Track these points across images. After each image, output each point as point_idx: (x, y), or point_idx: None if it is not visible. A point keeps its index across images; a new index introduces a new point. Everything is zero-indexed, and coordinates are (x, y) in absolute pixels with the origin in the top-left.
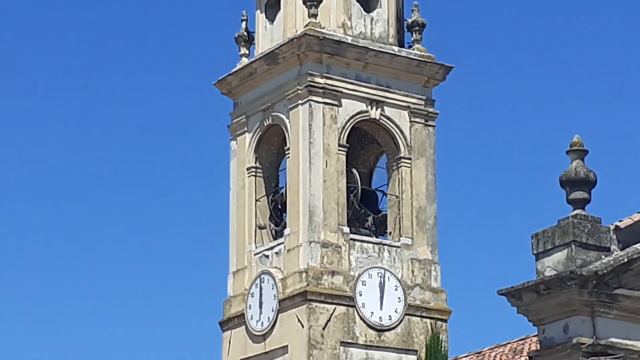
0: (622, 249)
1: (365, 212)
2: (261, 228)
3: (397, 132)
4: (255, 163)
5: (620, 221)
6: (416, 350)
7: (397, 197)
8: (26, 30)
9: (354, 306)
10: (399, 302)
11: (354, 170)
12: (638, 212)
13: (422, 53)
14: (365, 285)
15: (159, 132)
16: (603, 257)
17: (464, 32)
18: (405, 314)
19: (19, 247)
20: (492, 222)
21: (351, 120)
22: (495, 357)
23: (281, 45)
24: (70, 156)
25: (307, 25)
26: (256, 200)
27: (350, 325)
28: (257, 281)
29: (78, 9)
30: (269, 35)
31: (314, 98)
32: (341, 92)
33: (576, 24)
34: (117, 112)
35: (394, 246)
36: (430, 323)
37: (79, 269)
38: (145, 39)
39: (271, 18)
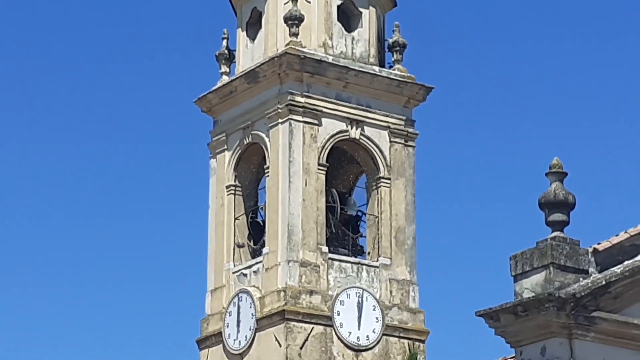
0: (600, 272)
1: (344, 232)
2: (240, 246)
3: (376, 152)
4: (235, 181)
5: (599, 244)
6: None
7: (376, 217)
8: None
9: (331, 326)
10: (377, 322)
11: (333, 190)
12: (616, 235)
13: (403, 73)
14: (343, 305)
15: (138, 149)
16: (581, 279)
17: (444, 53)
18: (383, 334)
19: None
20: (471, 243)
21: (331, 140)
22: None
23: (262, 64)
24: (48, 169)
25: (288, 44)
26: (235, 219)
27: (327, 345)
28: (235, 300)
29: (57, 23)
30: (249, 54)
31: (294, 117)
32: (321, 111)
33: (556, 46)
34: (95, 128)
35: (372, 266)
36: (408, 343)
37: (58, 286)
38: (125, 56)
39: (252, 36)
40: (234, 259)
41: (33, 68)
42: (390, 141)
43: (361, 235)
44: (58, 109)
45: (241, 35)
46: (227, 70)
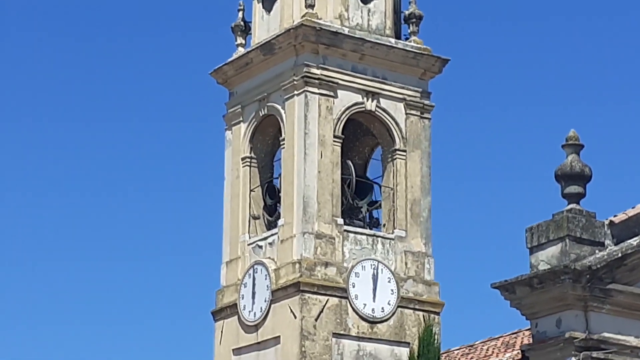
0: (616, 244)
1: (359, 203)
2: (255, 218)
3: (392, 124)
4: (250, 153)
5: (615, 216)
6: (408, 343)
7: (391, 189)
8: (22, 25)
9: (346, 298)
10: (392, 294)
11: (349, 162)
12: (632, 208)
13: (419, 45)
14: (358, 277)
15: (154, 121)
16: (597, 251)
17: (460, 25)
18: (398, 306)
19: (9, 242)
20: (487, 216)
21: (347, 112)
22: (487, 350)
23: (278, 36)
24: (63, 145)
25: (304, 16)
26: (250, 191)
27: (342, 317)
28: (250, 271)
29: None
30: (265, 26)
31: (310, 89)
32: (337, 83)
33: (573, 19)
34: (112, 101)
35: (387, 238)
36: (423, 315)
37: (70, 259)
38: (140, 29)
39: (268, 8)
40: (249, 231)
41: (50, 41)
42: (406, 113)
43: (377, 207)
44: (73, 83)
45: (257, 6)
46: (243, 42)
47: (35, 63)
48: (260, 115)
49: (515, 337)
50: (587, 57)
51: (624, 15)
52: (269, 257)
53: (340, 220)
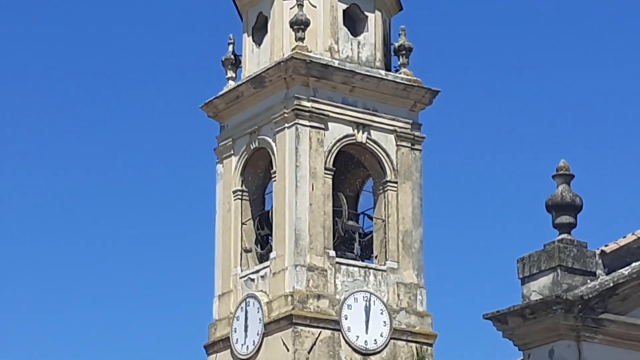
0: (607, 274)
1: (351, 235)
2: (247, 251)
3: (383, 156)
4: (242, 186)
5: (606, 246)
6: None
7: (383, 220)
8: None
9: (339, 330)
10: (385, 326)
11: (340, 194)
12: (624, 237)
13: (409, 77)
14: (350, 309)
15: (144, 154)
16: (589, 281)
17: (450, 57)
18: (391, 338)
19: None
20: (478, 246)
21: (338, 144)
22: None
23: (268, 69)
24: (53, 174)
25: (294, 49)
26: (242, 224)
27: (335, 349)
28: (243, 305)
29: (62, 25)
30: (255, 59)
31: (301, 121)
32: (328, 115)
33: (563, 49)
34: (101, 134)
35: (379, 270)
36: (416, 347)
37: (63, 292)
38: (131, 61)
39: (258, 41)
40: (241, 264)
41: (37, 73)
42: (397, 145)
43: (368, 240)
44: (62, 112)
45: (247, 40)
46: (234, 75)
47: (21, 93)
48: (251, 148)
49: None
50: (578, 87)
51: (614, 48)
52: (261, 290)
53: (332, 253)
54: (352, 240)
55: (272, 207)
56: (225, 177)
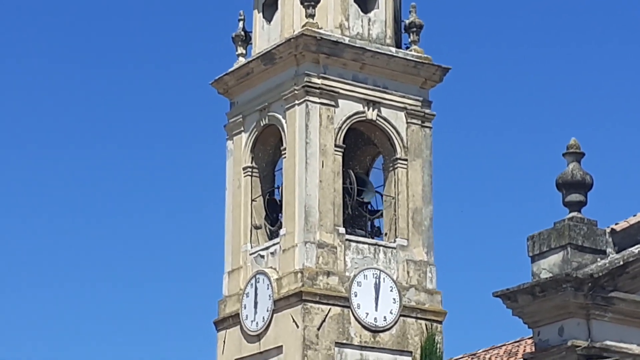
0: (617, 252)
1: (361, 212)
2: (257, 228)
3: (393, 133)
4: (252, 163)
5: (616, 224)
6: (411, 352)
7: (393, 198)
8: (21, 33)
9: (349, 307)
10: (394, 303)
11: (350, 171)
12: (634, 215)
13: (419, 54)
14: (360, 286)
15: (155, 131)
16: (599, 259)
17: (461, 34)
18: (400, 315)
19: (13, 248)
20: (488, 224)
21: (348, 121)
22: (490, 358)
23: (278, 45)
24: (65, 153)
25: (304, 26)
26: (252, 200)
27: (345, 326)
28: (252, 281)
29: (75, 7)
30: (266, 35)
31: (311, 98)
32: (338, 92)
33: (574, 27)
34: (113, 111)
35: (389, 247)
36: (426, 324)
37: (74, 268)
38: (142, 38)
39: (268, 18)
40: (251, 241)
41: (52, 54)
42: (407, 122)
43: (378, 217)
44: (75, 91)
45: (257, 16)
46: (244, 52)
47: (34, 76)
48: (262, 125)
49: (518, 346)
50: (588, 65)
51: (625, 24)
52: (271, 267)
53: (342, 230)
54: (362, 217)
55: (282, 184)
56: (235, 153)
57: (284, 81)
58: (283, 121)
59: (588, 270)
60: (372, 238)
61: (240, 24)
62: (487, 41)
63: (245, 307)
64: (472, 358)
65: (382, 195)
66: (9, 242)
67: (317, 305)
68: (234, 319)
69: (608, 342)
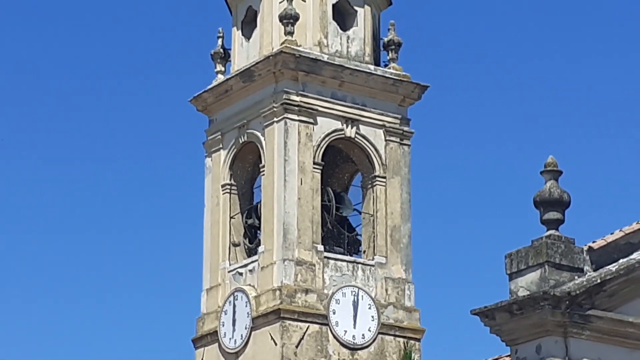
0: (595, 270)
1: (340, 230)
2: (235, 245)
3: (372, 151)
4: (230, 180)
5: (594, 242)
6: None
7: (371, 215)
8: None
9: (327, 324)
10: (373, 320)
11: (329, 189)
12: (611, 233)
13: (398, 72)
14: (338, 303)
15: (133, 148)
16: (576, 277)
17: (439, 52)
18: (379, 333)
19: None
20: (466, 242)
21: (326, 139)
22: None
23: (257, 63)
24: (42, 167)
25: (283, 43)
26: (230, 218)
27: (323, 344)
28: (231, 299)
29: (51, 19)
30: (245, 53)
31: (290, 116)
32: (317, 110)
33: (552, 44)
34: (89, 127)
35: (367, 265)
36: (404, 342)
37: (52, 284)
38: (120, 55)
39: (247, 35)
40: (229, 258)
41: (25, 65)
42: (386, 140)
43: (357, 234)
44: (51, 105)
45: (236, 34)
46: (223, 69)
47: (15, 88)
48: (240, 142)
49: None
50: (567, 82)
51: (603, 42)
52: (250, 284)
53: (321, 247)
54: (340, 234)
55: (260, 201)
56: (214, 170)
57: (262, 98)
58: (262, 138)
59: (565, 288)
60: (351, 255)
61: (219, 41)
62: (466, 59)
63: (223, 325)
64: None
65: (360, 213)
66: None
67: (295, 323)
68: (212, 336)
69: None
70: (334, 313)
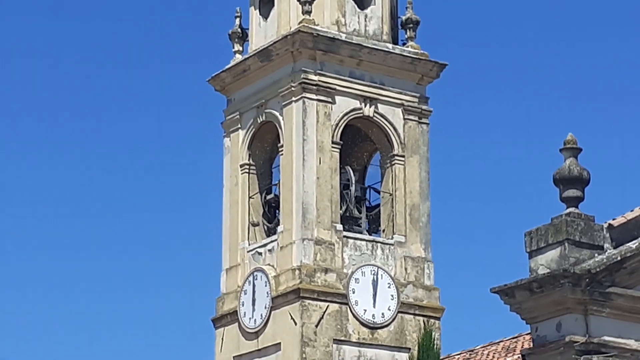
0: (615, 247)
1: (359, 209)
2: (254, 225)
3: (390, 130)
4: (249, 160)
5: (614, 219)
6: (409, 348)
7: (390, 194)
8: (18, 33)
9: (347, 304)
10: (392, 299)
11: (348, 168)
12: (631, 211)
13: (416, 50)
14: (358, 282)
15: (152, 129)
16: (596, 255)
17: (458, 30)
18: (398, 312)
19: (15, 250)
20: (486, 220)
21: (345, 118)
22: (488, 355)
23: (275, 42)
24: (62, 151)
25: (301, 22)
26: (249, 197)
27: (343, 323)
28: (250, 278)
29: (72, 5)
30: (262, 32)
31: (308, 95)
32: (335, 89)
33: (571, 22)
34: (109, 109)
35: (387, 244)
36: (423, 321)
37: (73, 267)
38: (138, 36)
39: (265, 15)
40: (248, 238)
41: (47, 54)
42: (404, 118)
43: (376, 213)
44: (69, 86)
45: (254, 13)
46: (241, 48)
47: (33, 75)
48: (259, 121)
49: (516, 342)
50: (585, 60)
51: (623, 21)
52: (269, 264)
53: (340, 226)
54: (359, 214)
55: (279, 181)
56: (232, 150)
57: (280, 78)
58: (280, 118)
59: (585, 266)
60: (370, 234)
61: (237, 21)
62: (484, 37)
63: (243, 305)
64: (470, 354)
65: (379, 192)
66: (6, 243)
67: (315, 302)
68: (232, 316)
69: (606, 338)
70: (353, 292)
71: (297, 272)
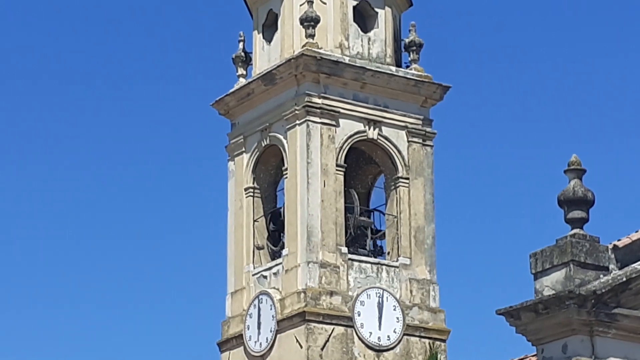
0: (620, 268)
1: (363, 232)
2: (259, 248)
3: (394, 152)
4: (253, 183)
5: (619, 240)
6: None
7: (395, 217)
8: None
9: (352, 326)
10: (398, 322)
11: (352, 191)
12: (636, 231)
13: (420, 73)
14: (363, 305)
15: (156, 153)
16: (601, 276)
17: (461, 52)
18: (404, 334)
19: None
20: (491, 242)
21: (349, 140)
22: None
23: (278, 66)
24: (66, 171)
25: (304, 46)
26: (254, 221)
27: (348, 346)
28: (256, 302)
29: (76, 24)
30: (266, 56)
31: (312, 118)
32: (339, 112)
33: (574, 42)
34: (112, 132)
35: (392, 266)
36: (429, 343)
37: (76, 287)
38: (142, 59)
39: (268, 38)
40: (253, 261)
41: (44, 71)
42: (408, 141)
43: (381, 236)
44: (73, 111)
45: (257, 37)
46: (244, 72)
47: (32, 103)
48: (263, 145)
49: None
50: (589, 81)
51: (628, 40)
52: (274, 287)
53: (345, 249)
54: (364, 236)
55: (283, 204)
56: (236, 174)
57: (284, 101)
58: (284, 141)
59: (591, 287)
60: (375, 257)
61: (241, 45)
62: (487, 59)
63: (248, 328)
64: None
65: (384, 214)
66: (8, 252)
67: (320, 325)
68: (238, 339)
69: (612, 359)
70: (359, 315)
71: (302, 295)
